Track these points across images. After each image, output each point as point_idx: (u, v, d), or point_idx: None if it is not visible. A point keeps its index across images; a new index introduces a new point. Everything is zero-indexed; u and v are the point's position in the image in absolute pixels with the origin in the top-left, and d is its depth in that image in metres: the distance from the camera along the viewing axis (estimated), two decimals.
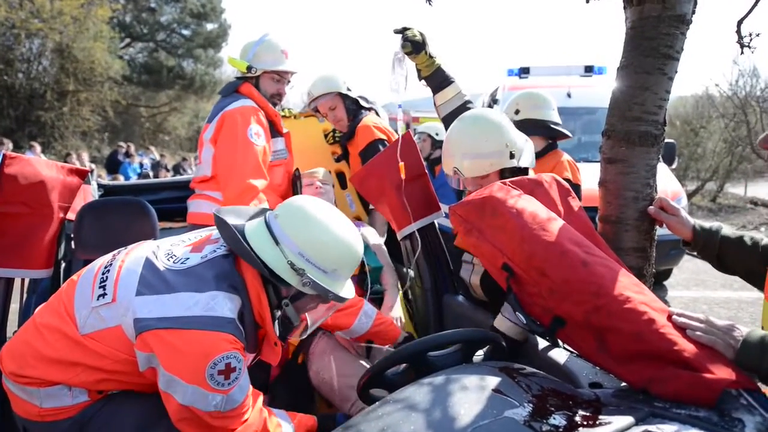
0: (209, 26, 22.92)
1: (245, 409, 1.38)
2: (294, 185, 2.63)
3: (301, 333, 1.62)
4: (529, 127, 2.56)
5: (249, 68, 2.56)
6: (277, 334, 1.49)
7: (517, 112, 2.77)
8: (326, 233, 1.41)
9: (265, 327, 1.45)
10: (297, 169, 2.69)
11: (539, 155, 2.63)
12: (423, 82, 2.26)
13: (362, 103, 2.87)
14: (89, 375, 1.38)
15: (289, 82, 2.68)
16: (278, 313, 1.47)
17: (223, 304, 1.34)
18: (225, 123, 2.45)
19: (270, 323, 1.44)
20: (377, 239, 2.59)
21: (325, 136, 3.20)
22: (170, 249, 1.47)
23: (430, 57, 2.19)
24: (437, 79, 2.23)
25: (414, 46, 2.13)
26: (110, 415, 1.42)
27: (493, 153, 1.78)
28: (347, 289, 1.50)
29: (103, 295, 1.38)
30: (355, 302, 1.96)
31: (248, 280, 1.41)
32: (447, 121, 2.19)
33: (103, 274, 1.43)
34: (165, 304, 1.32)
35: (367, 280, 2.25)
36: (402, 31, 2.15)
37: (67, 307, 1.42)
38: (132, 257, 1.45)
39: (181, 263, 1.41)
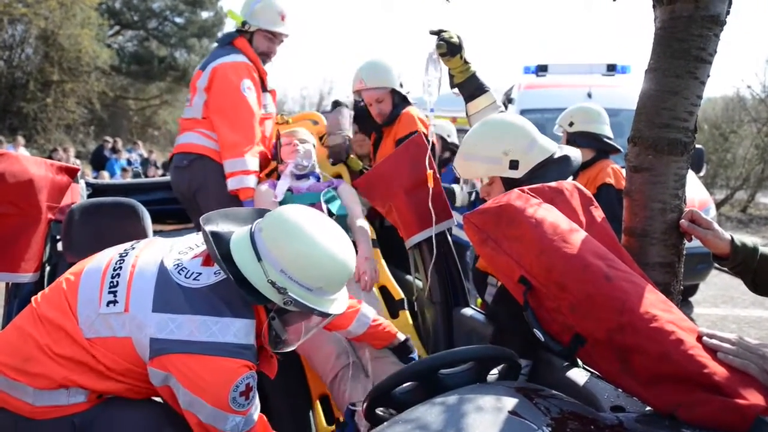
0: (204, 14, 23.03)
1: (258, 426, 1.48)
2: (276, 143, 2.86)
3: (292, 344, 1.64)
4: (580, 139, 2.99)
5: (244, 23, 2.85)
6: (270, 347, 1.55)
7: (571, 124, 3.12)
8: (311, 250, 1.42)
9: (264, 341, 1.52)
10: (278, 129, 2.92)
11: (587, 164, 3.02)
12: (456, 90, 2.27)
13: (409, 98, 3.00)
14: (92, 377, 1.42)
15: (281, 42, 2.98)
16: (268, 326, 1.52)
17: (244, 331, 1.43)
18: (217, 75, 2.77)
19: (266, 337, 1.51)
20: (351, 191, 2.69)
21: (320, 138, 3.22)
22: (179, 259, 1.51)
23: (465, 62, 2.20)
24: (471, 87, 2.23)
25: (449, 48, 2.14)
26: (109, 421, 1.46)
27: (487, 158, 1.80)
28: (337, 304, 1.52)
29: (114, 302, 1.42)
30: (353, 305, 1.99)
31: (256, 307, 1.49)
32: None
33: (113, 277, 1.47)
34: (184, 327, 1.39)
35: None
36: (438, 32, 2.17)
37: (70, 305, 1.45)
38: (144, 261, 1.49)
39: (194, 279, 1.46)
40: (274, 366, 1.62)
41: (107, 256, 1.55)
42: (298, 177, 2.63)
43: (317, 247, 1.43)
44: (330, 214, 2.46)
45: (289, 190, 2.59)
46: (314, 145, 2.80)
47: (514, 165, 1.80)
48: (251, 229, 1.49)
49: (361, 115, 3.14)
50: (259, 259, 1.41)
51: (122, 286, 1.44)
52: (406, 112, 2.95)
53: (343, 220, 2.50)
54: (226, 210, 1.61)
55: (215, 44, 3.03)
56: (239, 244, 1.47)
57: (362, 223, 2.60)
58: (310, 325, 1.59)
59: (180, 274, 1.46)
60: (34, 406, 1.43)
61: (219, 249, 1.44)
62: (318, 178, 2.71)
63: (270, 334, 1.52)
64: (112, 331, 1.41)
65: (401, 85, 2.95)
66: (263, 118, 2.90)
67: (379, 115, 2.97)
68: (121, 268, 1.49)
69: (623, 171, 2.73)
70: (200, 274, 1.47)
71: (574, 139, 3.08)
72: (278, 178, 2.71)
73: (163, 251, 1.53)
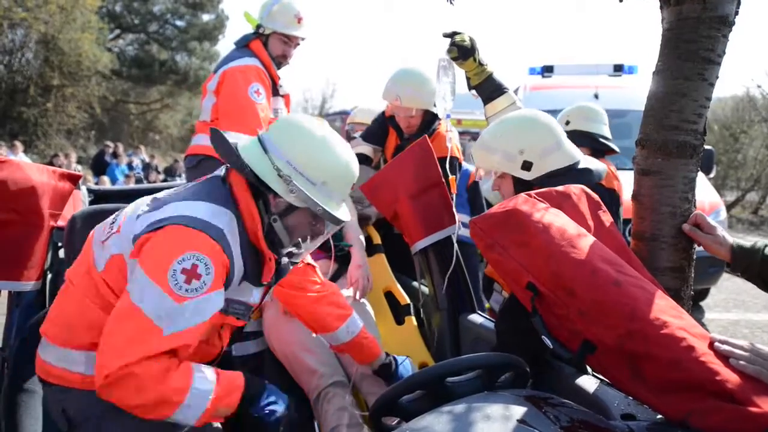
0: (205, 17, 23.17)
1: (182, 346, 1.36)
2: None
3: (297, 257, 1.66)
4: (575, 137, 2.73)
5: (258, 27, 2.90)
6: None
7: (567, 122, 3.02)
8: (316, 144, 1.49)
9: (260, 244, 1.52)
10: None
11: None
12: (473, 92, 2.26)
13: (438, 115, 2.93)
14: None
15: (297, 45, 2.99)
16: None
17: (213, 212, 1.44)
18: (226, 79, 2.82)
19: (263, 240, 1.51)
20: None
21: None
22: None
23: (480, 64, 2.19)
24: (489, 89, 2.22)
25: (461, 52, 2.14)
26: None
27: (503, 152, 1.80)
28: (342, 212, 1.55)
29: (112, 226, 1.53)
30: (346, 307, 1.98)
31: (238, 194, 1.51)
32: None
33: (113, 220, 1.57)
34: (158, 213, 1.44)
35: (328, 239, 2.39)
36: (451, 35, 2.16)
37: (90, 253, 1.55)
38: (133, 204, 1.58)
39: (176, 191, 1.56)
40: (271, 269, 1.57)
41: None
42: None
43: (322, 143, 1.50)
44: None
45: None
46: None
47: (526, 166, 1.79)
48: (259, 134, 1.57)
49: (373, 133, 3.07)
50: (266, 151, 1.48)
51: (119, 220, 1.54)
52: (438, 132, 2.90)
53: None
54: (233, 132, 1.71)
55: (233, 46, 3.07)
56: (246, 143, 1.54)
57: (357, 230, 2.61)
58: (315, 229, 1.59)
59: (166, 194, 1.55)
60: (85, 375, 1.48)
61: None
62: None
63: (271, 237, 1.54)
64: (109, 251, 1.48)
65: (434, 105, 2.85)
66: (272, 121, 2.93)
67: (408, 127, 2.92)
68: (119, 213, 1.59)
69: (616, 172, 2.75)
70: (183, 188, 1.57)
71: (571, 138, 3.04)
72: None
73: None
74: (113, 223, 1.55)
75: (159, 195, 1.57)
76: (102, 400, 1.35)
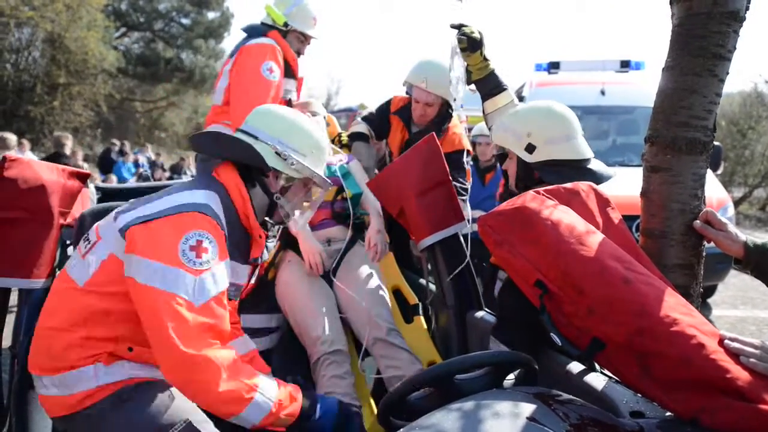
0: (210, 15, 23.18)
1: (219, 317, 1.45)
2: None
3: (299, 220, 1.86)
4: None
5: (286, 24, 3.07)
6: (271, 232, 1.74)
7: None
8: (296, 122, 1.72)
9: (250, 224, 1.67)
10: (290, 99, 3.08)
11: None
12: (472, 85, 2.28)
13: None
14: (103, 326, 1.50)
15: (309, 44, 3.20)
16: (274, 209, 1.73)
17: (200, 195, 1.54)
18: (241, 55, 2.95)
19: (254, 218, 1.67)
20: (360, 168, 2.81)
21: (331, 141, 3.24)
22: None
23: (485, 59, 2.20)
24: (489, 85, 2.24)
25: (470, 44, 2.15)
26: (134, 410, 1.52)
27: (514, 132, 1.88)
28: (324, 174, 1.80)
29: (88, 241, 1.58)
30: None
31: (224, 180, 1.63)
32: None
33: (84, 241, 1.62)
34: (144, 209, 1.51)
35: (347, 205, 2.51)
36: (459, 26, 2.17)
37: (64, 280, 1.58)
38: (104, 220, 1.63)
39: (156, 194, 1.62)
40: (261, 246, 1.75)
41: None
42: None
43: (300, 121, 1.73)
44: (344, 191, 2.57)
45: None
46: (326, 118, 2.88)
47: (530, 149, 1.84)
48: (238, 129, 1.74)
49: (371, 120, 3.12)
50: (256, 138, 1.66)
51: (92, 231, 1.60)
52: (452, 128, 2.95)
53: (358, 198, 2.58)
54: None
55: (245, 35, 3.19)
56: (232, 136, 1.70)
57: (374, 199, 2.64)
58: (307, 197, 1.83)
59: (136, 202, 1.60)
60: (73, 394, 1.52)
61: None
62: (329, 153, 2.76)
63: (271, 213, 1.73)
64: (97, 260, 1.52)
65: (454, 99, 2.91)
66: (283, 103, 3.06)
67: (421, 117, 2.93)
68: (87, 234, 1.63)
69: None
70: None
71: None
72: None
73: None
74: (86, 241, 1.60)
75: (133, 199, 1.64)
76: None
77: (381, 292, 2.45)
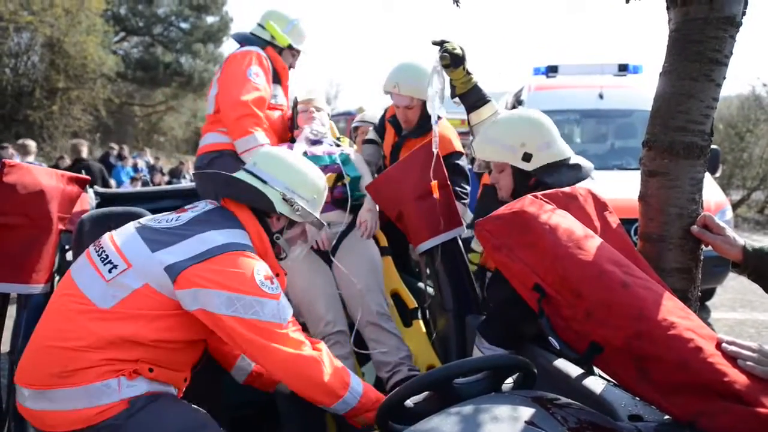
0: (210, 19, 23.26)
1: (299, 325, 1.63)
2: (293, 112, 3.04)
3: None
4: None
5: (290, 46, 3.15)
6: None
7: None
8: (302, 170, 1.82)
9: (269, 261, 1.70)
10: (296, 96, 3.07)
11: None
12: (456, 99, 2.33)
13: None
14: (127, 350, 1.50)
15: (298, 58, 3.30)
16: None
17: (236, 234, 1.63)
18: (228, 62, 3.00)
19: (273, 257, 1.75)
20: (360, 158, 2.91)
21: None
22: (153, 218, 1.71)
23: (468, 73, 2.25)
24: (473, 98, 2.30)
25: (453, 60, 2.18)
26: (151, 418, 1.52)
27: (505, 145, 1.92)
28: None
29: (114, 266, 1.56)
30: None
31: (244, 220, 1.69)
32: None
33: (99, 254, 1.59)
34: (189, 247, 1.55)
35: (346, 191, 2.59)
36: (441, 43, 2.20)
37: (77, 298, 1.54)
38: (119, 232, 1.66)
39: (175, 221, 1.65)
40: (283, 282, 1.77)
41: (82, 254, 1.66)
42: (313, 142, 2.72)
43: (306, 168, 1.83)
44: (343, 177, 2.63)
45: (305, 154, 2.63)
46: (329, 114, 2.96)
47: (527, 157, 1.89)
48: (243, 169, 1.81)
49: (377, 128, 3.20)
50: (265, 182, 1.74)
51: (112, 253, 1.58)
52: (440, 131, 2.96)
53: (357, 181, 2.66)
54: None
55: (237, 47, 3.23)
56: (241, 177, 1.76)
57: (369, 181, 2.72)
58: (303, 236, 1.93)
59: (159, 223, 1.65)
60: (92, 407, 1.49)
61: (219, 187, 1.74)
62: (330, 144, 2.79)
63: (276, 252, 1.79)
64: (127, 288, 1.52)
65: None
66: (271, 108, 3.07)
67: (405, 122, 2.95)
68: (101, 246, 1.62)
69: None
70: (179, 218, 1.66)
71: None
72: (293, 142, 2.81)
73: (134, 223, 1.69)
74: (107, 259, 1.57)
75: (156, 224, 1.64)
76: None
77: (377, 276, 2.51)
